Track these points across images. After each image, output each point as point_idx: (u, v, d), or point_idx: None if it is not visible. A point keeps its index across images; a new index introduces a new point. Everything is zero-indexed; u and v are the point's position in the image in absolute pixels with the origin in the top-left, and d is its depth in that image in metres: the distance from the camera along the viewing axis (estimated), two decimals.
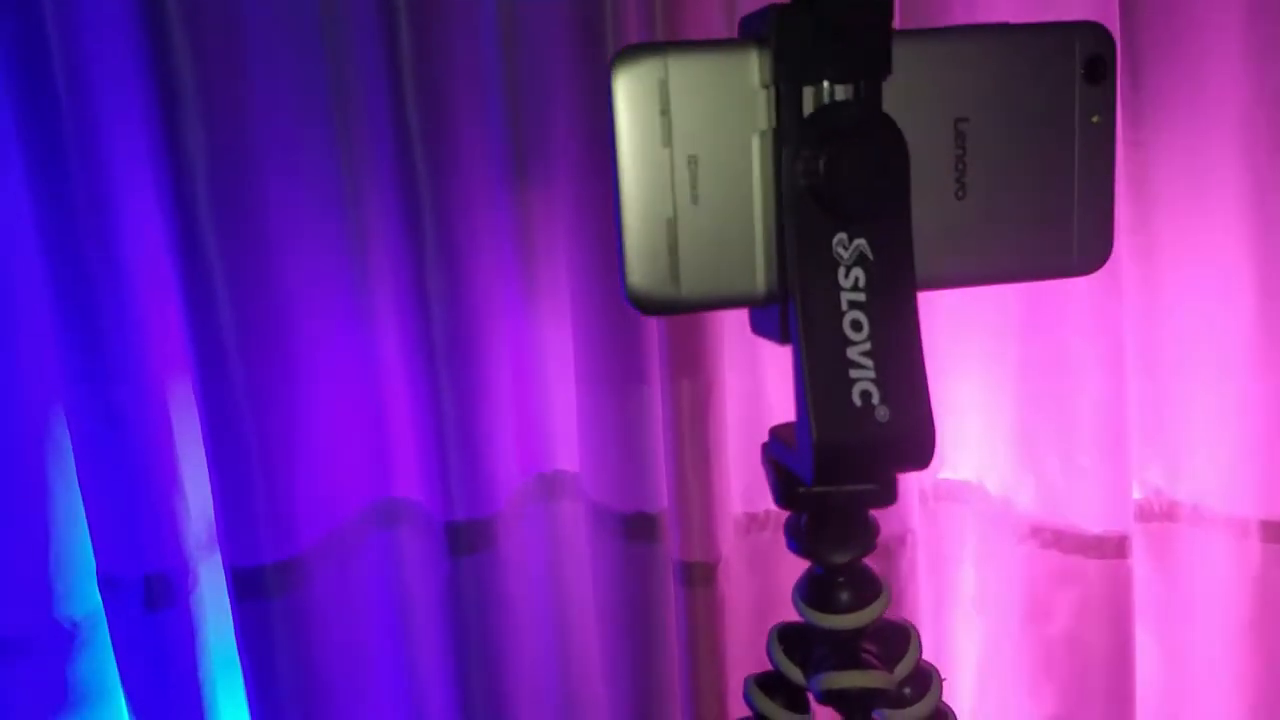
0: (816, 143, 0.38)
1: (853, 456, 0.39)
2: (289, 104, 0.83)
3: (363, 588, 0.92)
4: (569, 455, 0.93)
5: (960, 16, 0.81)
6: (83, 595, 0.88)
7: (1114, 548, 0.87)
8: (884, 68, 0.40)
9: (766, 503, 0.87)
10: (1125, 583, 0.87)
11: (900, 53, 0.40)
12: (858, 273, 0.39)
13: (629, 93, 0.40)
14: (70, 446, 0.85)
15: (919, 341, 0.39)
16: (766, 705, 0.48)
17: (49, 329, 0.83)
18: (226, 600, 0.86)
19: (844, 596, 0.45)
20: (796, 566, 0.48)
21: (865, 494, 0.43)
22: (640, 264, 0.41)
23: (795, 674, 0.47)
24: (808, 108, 0.39)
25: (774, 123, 0.40)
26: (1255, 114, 0.81)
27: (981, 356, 0.89)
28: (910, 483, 0.90)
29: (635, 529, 0.89)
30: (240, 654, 0.87)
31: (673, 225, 0.40)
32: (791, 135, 0.39)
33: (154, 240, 0.82)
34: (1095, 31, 0.42)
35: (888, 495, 0.43)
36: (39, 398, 0.85)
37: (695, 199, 0.40)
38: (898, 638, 0.47)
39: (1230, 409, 0.86)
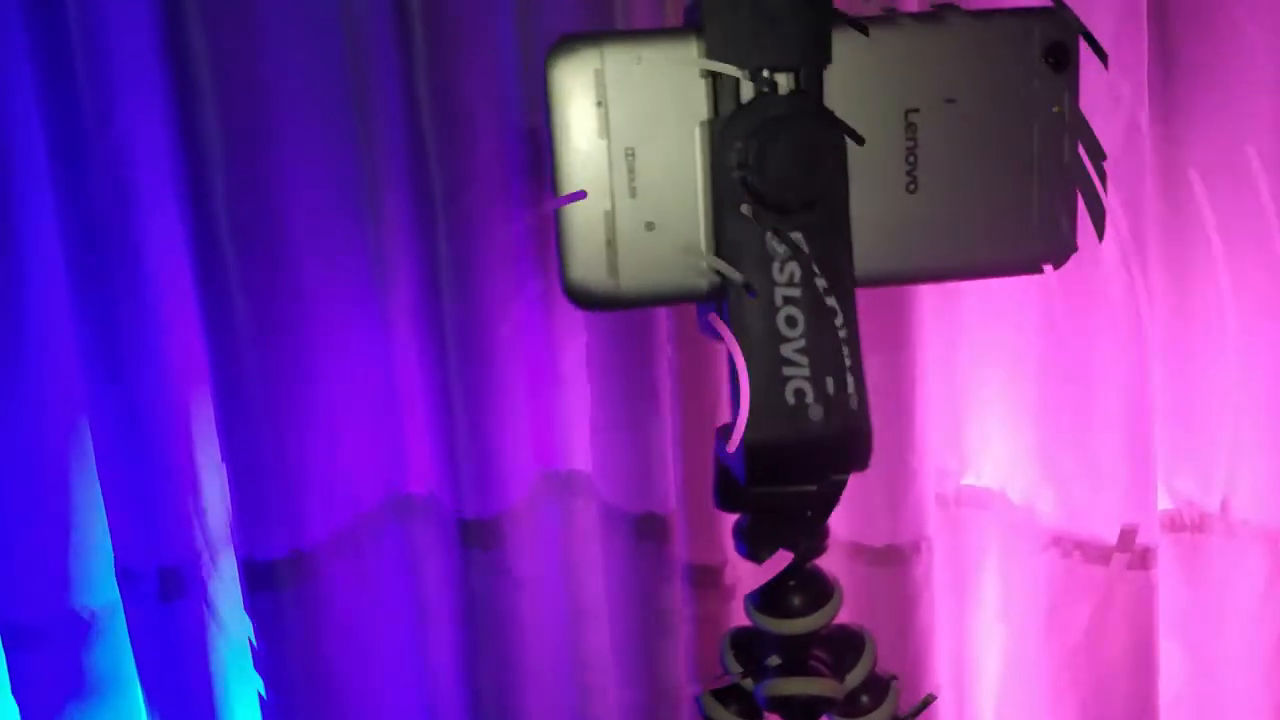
0: (748, 133, 0.37)
1: (785, 456, 0.38)
2: (305, 99, 0.84)
3: (376, 582, 0.93)
4: (581, 455, 0.93)
5: None
6: (101, 586, 0.90)
7: (1139, 559, 0.84)
8: (823, 55, 0.38)
9: None
10: (1150, 595, 0.84)
11: (845, 40, 0.39)
12: (792, 268, 0.38)
13: (564, 84, 0.39)
14: (91, 443, 0.86)
15: (857, 339, 0.38)
16: (721, 714, 0.47)
17: (71, 330, 0.85)
18: (240, 592, 0.88)
19: (793, 601, 0.44)
20: None
21: (800, 495, 0.41)
22: (578, 258, 0.40)
23: (747, 682, 0.46)
24: (747, 98, 0.38)
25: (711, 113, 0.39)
26: None
27: (1004, 363, 0.86)
28: (928, 489, 0.88)
29: (644, 529, 0.88)
30: (253, 645, 0.88)
31: (610, 218, 0.39)
32: (724, 125, 0.38)
33: (172, 242, 0.84)
34: (1055, 17, 0.40)
35: (828, 501, 0.41)
36: (63, 396, 0.87)
37: (633, 192, 0.39)
38: (852, 644, 0.46)
39: (1265, 416, 0.82)
